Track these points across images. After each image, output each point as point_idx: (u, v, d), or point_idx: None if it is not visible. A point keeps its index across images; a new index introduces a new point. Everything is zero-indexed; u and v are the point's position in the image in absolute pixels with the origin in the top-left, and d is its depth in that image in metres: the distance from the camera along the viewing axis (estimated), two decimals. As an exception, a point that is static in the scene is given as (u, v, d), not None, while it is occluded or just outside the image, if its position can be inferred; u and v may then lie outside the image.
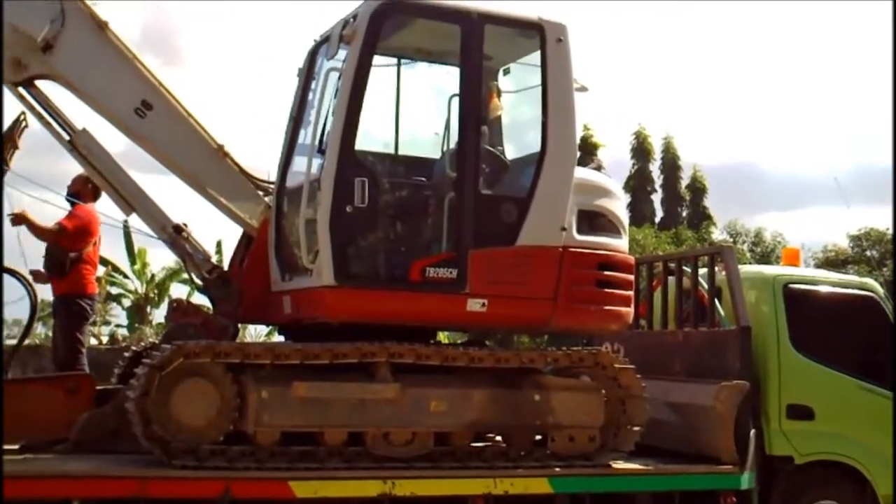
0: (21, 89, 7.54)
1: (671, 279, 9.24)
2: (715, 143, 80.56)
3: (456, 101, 7.44)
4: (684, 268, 9.04)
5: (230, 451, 6.71)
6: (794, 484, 8.32)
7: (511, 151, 8.21)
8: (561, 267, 7.41)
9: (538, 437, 7.63)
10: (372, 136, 7.88)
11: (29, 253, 9.04)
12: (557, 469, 7.33)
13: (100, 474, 6.44)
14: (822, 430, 8.37)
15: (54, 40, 7.35)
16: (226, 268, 8.10)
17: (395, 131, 8.38)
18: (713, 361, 8.28)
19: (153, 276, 28.34)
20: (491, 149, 7.69)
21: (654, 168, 43.90)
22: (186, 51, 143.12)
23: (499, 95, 8.01)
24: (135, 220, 7.98)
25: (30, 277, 8.39)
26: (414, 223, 7.41)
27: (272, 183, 8.00)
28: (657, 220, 41.82)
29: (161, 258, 31.38)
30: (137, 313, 28.23)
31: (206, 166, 7.86)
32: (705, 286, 8.69)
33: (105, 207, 8.95)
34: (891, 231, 31.04)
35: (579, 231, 7.56)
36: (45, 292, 9.31)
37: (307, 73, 8.02)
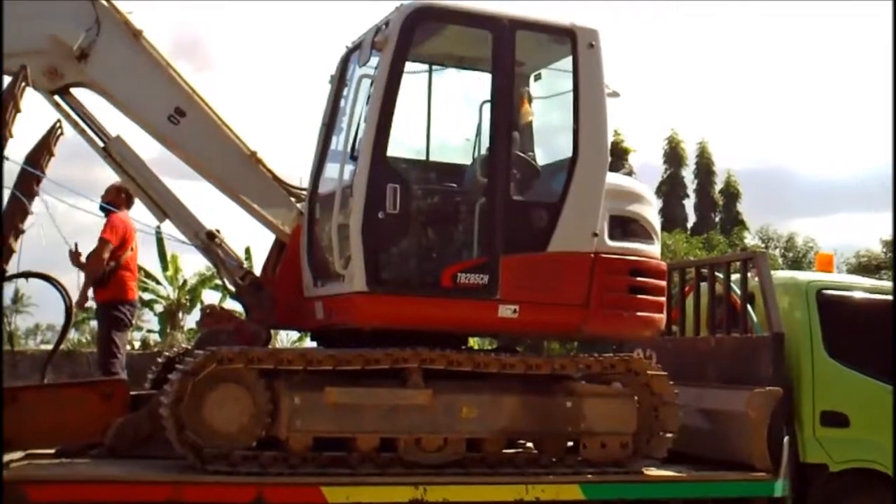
0: (57, 97, 7.64)
1: (703, 285, 9.20)
2: (747, 148, 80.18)
3: (487, 106, 7.45)
4: (717, 273, 8.99)
5: (263, 456, 6.73)
6: (829, 492, 8.21)
7: (542, 157, 8.19)
8: (593, 273, 7.39)
9: (570, 444, 7.59)
10: (403, 143, 7.89)
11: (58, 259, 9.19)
12: (589, 476, 7.30)
13: (134, 479, 6.50)
14: (857, 437, 8.28)
15: (89, 49, 7.43)
16: (258, 274, 8.14)
17: (427, 137, 8.38)
18: (746, 368, 8.22)
19: (185, 281, 28.47)
20: (522, 154, 7.69)
21: (686, 173, 43.71)
22: (217, 56, 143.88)
23: (530, 101, 8.02)
24: (167, 227, 8.05)
25: (64, 283, 8.45)
26: (445, 229, 7.42)
27: (304, 189, 8.04)
28: (689, 225, 41.63)
29: (193, 264, 31.55)
30: (169, 319, 28.35)
31: (239, 173, 7.90)
32: (738, 292, 8.64)
33: (138, 213, 9.04)
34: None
35: (611, 237, 7.53)
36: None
37: (339, 80, 8.05)
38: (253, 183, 7.93)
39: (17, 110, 7.07)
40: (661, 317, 7.85)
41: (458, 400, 7.11)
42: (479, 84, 7.88)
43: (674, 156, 43.43)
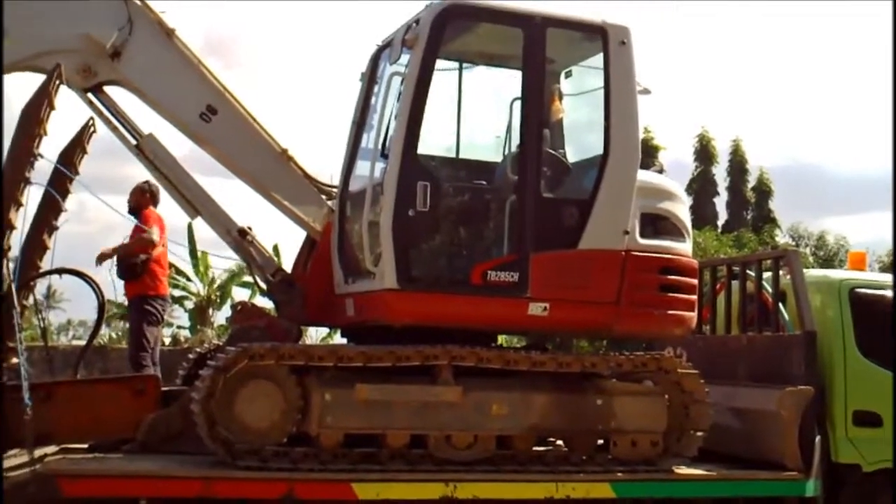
0: (90, 95, 7.70)
1: (735, 283, 9.16)
2: (778, 145, 79.66)
3: (518, 104, 7.46)
4: (748, 271, 8.95)
5: (293, 452, 6.77)
6: (862, 492, 8.16)
7: (572, 154, 8.18)
8: (624, 271, 7.37)
9: (600, 442, 7.59)
10: (434, 140, 7.89)
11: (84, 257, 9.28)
12: (620, 474, 7.29)
13: (166, 474, 6.55)
14: (891, 437, 8.22)
15: (122, 47, 7.50)
16: (289, 271, 8.17)
17: (457, 135, 8.38)
18: (777, 366, 8.17)
19: (214, 278, 28.60)
20: (552, 152, 7.69)
21: (716, 171, 43.43)
22: (246, 54, 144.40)
23: (560, 98, 8.00)
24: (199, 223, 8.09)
25: (97, 279, 8.51)
26: (476, 227, 7.42)
27: (335, 187, 8.06)
28: (720, 222, 41.38)
29: (223, 261, 31.58)
30: (199, 315, 28.49)
31: (271, 170, 7.94)
32: (769, 290, 8.59)
33: (169, 210, 9.10)
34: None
35: (642, 234, 7.51)
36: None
37: (370, 78, 8.07)
38: (284, 180, 7.97)
39: (52, 108, 7.14)
40: (693, 315, 7.81)
41: (489, 397, 7.12)
42: (509, 81, 7.87)
43: (704, 153, 43.15)
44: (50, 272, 7.85)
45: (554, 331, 8.59)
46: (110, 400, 7.37)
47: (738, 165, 42.85)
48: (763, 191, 42.64)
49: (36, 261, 7.71)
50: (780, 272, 8.59)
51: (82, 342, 9.66)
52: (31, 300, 7.95)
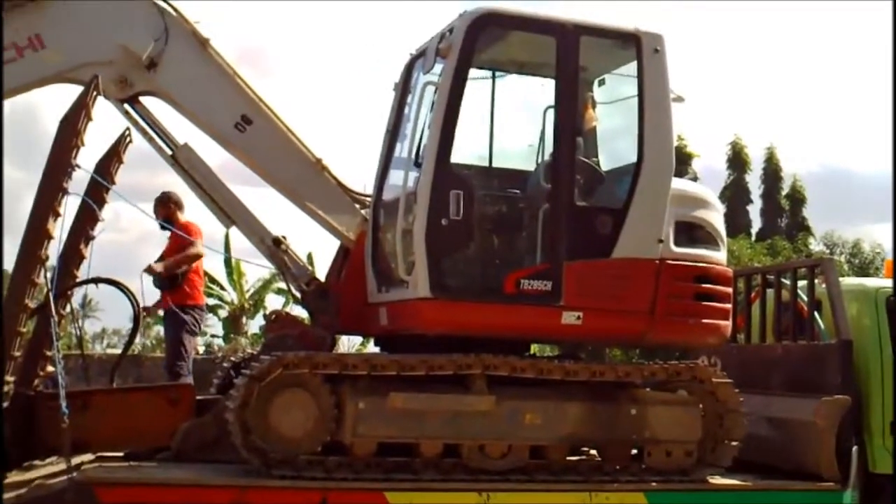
0: (126, 106, 7.76)
1: (769, 291, 9.09)
2: (811, 152, 79.03)
3: (551, 112, 7.44)
4: (783, 280, 8.89)
5: (327, 461, 6.77)
6: (900, 503, 8.09)
7: (606, 162, 8.16)
8: (658, 279, 7.32)
9: (634, 452, 7.55)
10: (467, 149, 7.89)
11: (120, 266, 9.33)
12: (654, 484, 7.25)
13: (200, 482, 6.58)
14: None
15: (158, 58, 7.55)
16: (322, 280, 8.19)
17: (490, 143, 8.38)
18: (813, 376, 8.11)
19: (248, 287, 28.76)
20: (586, 160, 7.66)
21: (750, 178, 43.18)
22: (278, 63, 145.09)
23: (594, 106, 7.99)
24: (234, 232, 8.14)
25: (133, 289, 8.56)
26: (509, 235, 7.42)
27: (369, 196, 8.08)
28: (753, 230, 41.13)
29: (257, 269, 31.76)
30: (233, 324, 28.66)
31: (305, 180, 7.98)
32: (805, 299, 8.52)
33: (204, 219, 9.15)
34: None
35: (677, 243, 7.47)
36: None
37: (403, 87, 8.08)
38: (318, 190, 8.00)
39: (90, 119, 7.20)
40: (727, 324, 7.76)
41: (522, 407, 7.10)
42: (542, 90, 7.85)
43: (737, 160, 42.93)
44: (87, 281, 7.90)
45: (588, 340, 8.54)
46: (145, 408, 7.42)
47: (772, 173, 42.57)
48: (796, 198, 42.35)
49: (73, 270, 7.77)
50: (816, 281, 8.52)
51: (117, 351, 9.78)
52: (67, 309, 8.02)
